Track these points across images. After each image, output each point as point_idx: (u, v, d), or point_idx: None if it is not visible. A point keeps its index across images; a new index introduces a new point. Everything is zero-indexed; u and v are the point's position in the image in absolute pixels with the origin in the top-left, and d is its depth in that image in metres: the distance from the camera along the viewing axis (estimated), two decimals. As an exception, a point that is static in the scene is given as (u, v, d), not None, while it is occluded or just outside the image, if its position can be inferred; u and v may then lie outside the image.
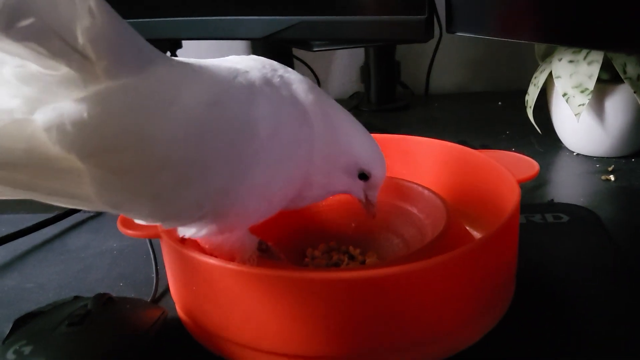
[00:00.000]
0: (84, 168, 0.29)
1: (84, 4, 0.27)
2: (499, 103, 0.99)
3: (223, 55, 0.39)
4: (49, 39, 0.26)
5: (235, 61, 0.37)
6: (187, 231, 0.36)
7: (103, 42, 0.28)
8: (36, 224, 0.60)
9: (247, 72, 0.35)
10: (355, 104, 1.02)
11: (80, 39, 0.27)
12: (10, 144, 0.27)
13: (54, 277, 0.52)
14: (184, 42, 0.88)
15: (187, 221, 0.35)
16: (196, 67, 0.34)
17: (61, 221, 0.62)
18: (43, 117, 0.28)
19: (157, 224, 0.34)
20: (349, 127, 0.40)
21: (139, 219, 0.34)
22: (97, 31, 0.28)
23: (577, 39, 0.51)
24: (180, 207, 0.33)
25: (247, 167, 0.33)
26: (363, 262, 0.47)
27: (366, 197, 0.42)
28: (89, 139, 0.28)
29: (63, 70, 0.28)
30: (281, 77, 0.37)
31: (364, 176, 0.41)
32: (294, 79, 0.38)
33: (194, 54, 0.37)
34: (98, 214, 0.64)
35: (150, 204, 0.32)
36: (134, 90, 0.30)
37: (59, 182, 0.29)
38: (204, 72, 0.34)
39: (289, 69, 0.39)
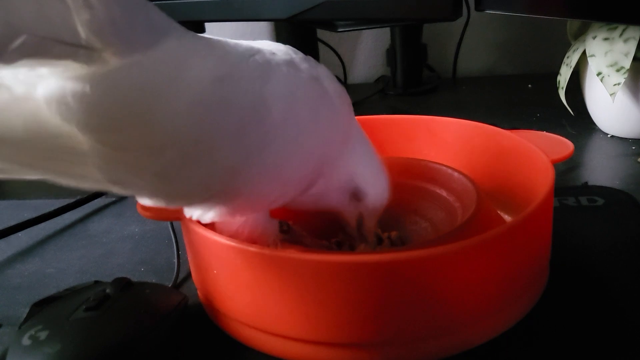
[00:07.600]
0: (87, 145, 0.27)
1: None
2: (529, 86, 0.97)
3: (246, 38, 0.37)
4: (48, 48, 0.25)
5: (263, 44, 0.35)
6: (193, 212, 0.35)
7: (109, 30, 0.27)
8: (58, 208, 0.59)
9: (270, 52, 0.34)
10: (381, 88, 1.00)
11: (83, 34, 0.26)
12: (10, 122, 0.26)
13: (75, 262, 0.51)
14: (207, 25, 0.87)
15: (193, 202, 0.34)
16: (212, 42, 0.32)
17: (83, 206, 0.61)
18: (44, 90, 0.26)
19: (162, 204, 0.33)
20: (358, 143, 0.39)
21: (143, 197, 0.33)
22: (100, 21, 0.26)
23: (614, 14, 0.49)
24: (185, 187, 0.31)
25: (258, 147, 0.32)
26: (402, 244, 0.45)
27: (358, 223, 0.40)
28: (90, 114, 0.27)
29: (70, 65, 0.27)
30: (311, 64, 0.35)
31: (358, 196, 0.39)
32: (325, 74, 0.37)
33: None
34: (120, 199, 0.63)
35: (154, 182, 0.30)
36: (139, 67, 0.28)
37: (63, 163, 0.28)
38: (218, 46, 0.32)
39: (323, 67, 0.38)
